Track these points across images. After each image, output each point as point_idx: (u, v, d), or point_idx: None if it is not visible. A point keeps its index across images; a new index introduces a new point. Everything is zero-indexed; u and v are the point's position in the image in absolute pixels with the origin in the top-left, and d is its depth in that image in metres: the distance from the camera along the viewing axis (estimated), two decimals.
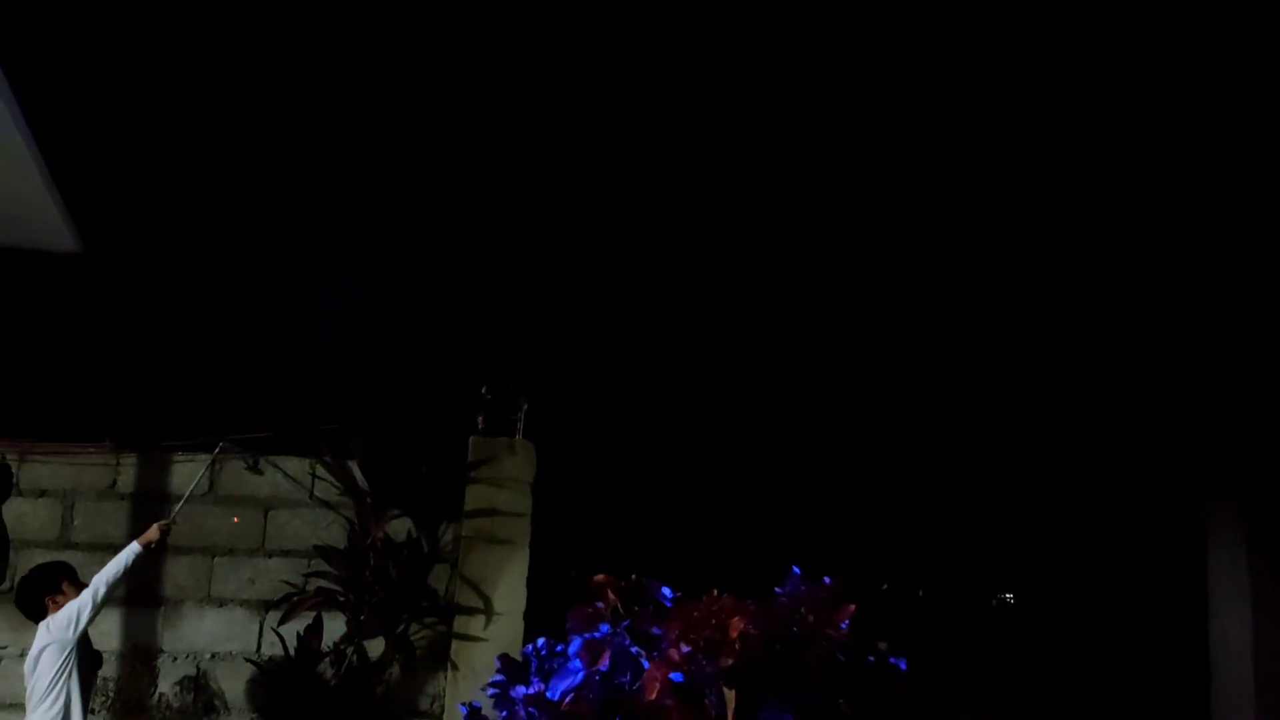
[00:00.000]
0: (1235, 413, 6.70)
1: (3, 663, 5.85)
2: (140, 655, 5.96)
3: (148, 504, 5.97)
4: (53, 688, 4.75)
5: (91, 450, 6.10)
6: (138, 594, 6.00)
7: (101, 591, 4.88)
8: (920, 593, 7.46)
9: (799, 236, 6.29)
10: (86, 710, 4.87)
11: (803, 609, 3.50)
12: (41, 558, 5.40)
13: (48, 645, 4.81)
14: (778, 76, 5.18)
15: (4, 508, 5.62)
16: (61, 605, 4.87)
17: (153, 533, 5.13)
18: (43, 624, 4.88)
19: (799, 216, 6.19)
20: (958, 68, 5.16)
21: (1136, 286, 6.58)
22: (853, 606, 3.49)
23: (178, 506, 5.58)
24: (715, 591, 3.55)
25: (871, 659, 3.52)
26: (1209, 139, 5.57)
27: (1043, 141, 5.66)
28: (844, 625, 3.50)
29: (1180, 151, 5.65)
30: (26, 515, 5.89)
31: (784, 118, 5.52)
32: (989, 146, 5.69)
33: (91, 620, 4.89)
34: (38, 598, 4.92)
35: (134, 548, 5.05)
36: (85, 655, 4.93)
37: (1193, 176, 5.82)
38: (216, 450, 5.83)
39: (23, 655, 5.11)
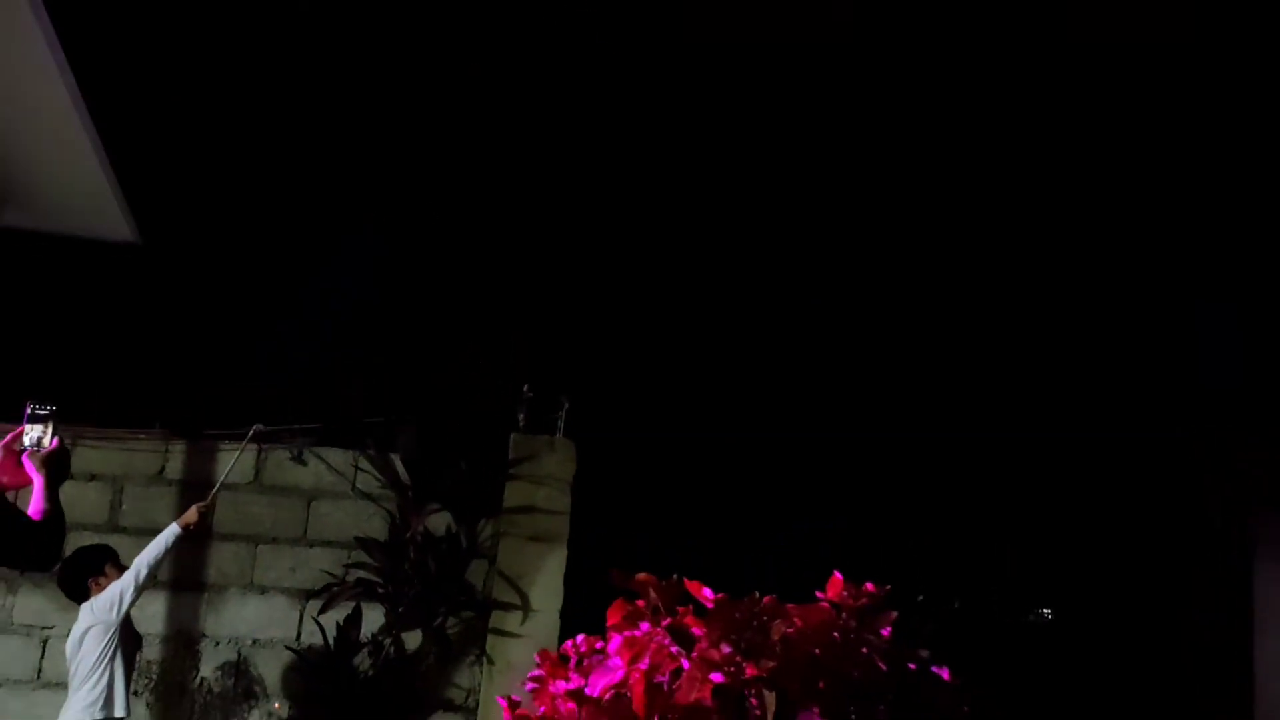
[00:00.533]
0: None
1: (50, 643, 5.96)
2: (183, 639, 6.05)
3: (195, 490, 6.05)
4: (96, 668, 4.83)
5: (141, 436, 6.21)
6: (182, 579, 6.11)
7: (143, 573, 4.95)
8: (956, 605, 7.43)
9: (830, 239, 6.30)
10: (129, 690, 4.95)
11: (844, 614, 3.50)
12: (91, 541, 5.47)
13: (91, 626, 4.88)
14: (784, 75, 5.17)
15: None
16: (104, 587, 4.94)
17: (191, 515, 5.20)
18: (85, 605, 4.95)
19: (825, 219, 6.20)
20: (959, 68, 5.14)
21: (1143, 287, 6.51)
22: (895, 613, 3.49)
23: (215, 489, 5.64)
24: (757, 594, 3.56)
25: (913, 666, 3.52)
26: (1209, 138, 5.52)
27: (1043, 142, 5.62)
28: (885, 632, 3.51)
29: (1180, 151, 5.59)
30: (77, 499, 5.99)
31: (799, 114, 5.51)
32: (992, 147, 5.66)
33: (134, 602, 4.95)
34: (81, 580, 4.99)
35: (174, 529, 5.11)
36: (128, 636, 4.99)
37: (1193, 176, 5.76)
38: (250, 434, 5.81)
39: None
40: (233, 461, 5.80)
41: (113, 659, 4.86)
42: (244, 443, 5.82)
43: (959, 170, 5.77)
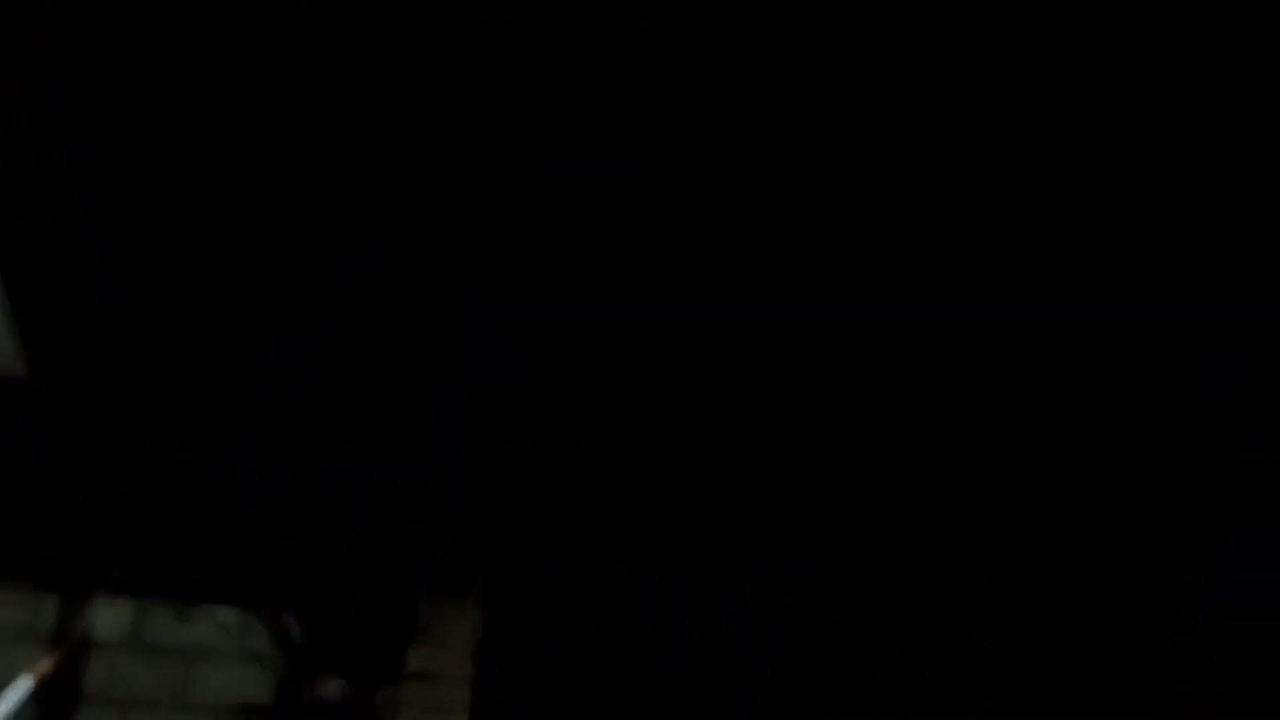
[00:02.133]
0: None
1: None
2: None
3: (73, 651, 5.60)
4: None
5: (10, 587, 5.72)
6: None
7: None
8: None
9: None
10: None
11: None
12: None
13: None
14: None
15: None
16: None
17: (45, 665, 4.81)
18: None
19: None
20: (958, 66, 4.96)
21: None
22: None
23: (75, 634, 5.24)
24: None
25: None
26: (1209, 136, 5.42)
27: (1042, 138, 5.43)
28: None
29: (1182, 150, 5.47)
30: None
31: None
32: (989, 141, 5.39)
33: None
34: None
35: (25, 684, 4.70)
36: None
37: (1193, 175, 5.57)
38: (112, 576, 5.44)
39: None
40: (85, 611, 5.38)
41: None
42: (102, 585, 5.42)
43: (958, 165, 5.45)
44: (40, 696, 5.56)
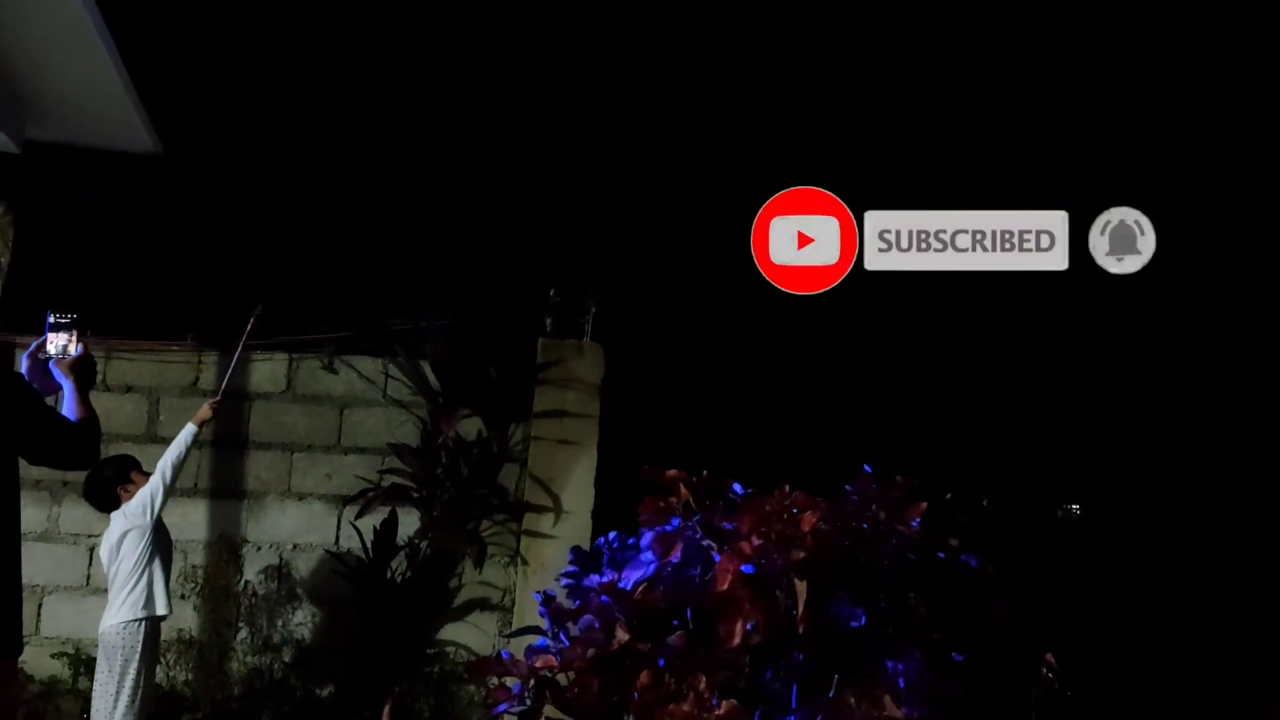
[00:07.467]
0: None
1: (96, 550, 6.12)
2: (226, 545, 6.21)
3: (228, 400, 6.13)
4: (136, 569, 4.95)
5: (175, 348, 6.29)
6: (222, 488, 6.24)
7: (169, 474, 5.05)
8: (985, 502, 7.45)
9: None
10: (169, 589, 5.08)
11: (874, 506, 3.52)
12: (129, 451, 5.60)
13: (128, 531, 4.99)
14: None
15: (94, 403, 5.83)
16: (133, 493, 5.04)
17: (205, 411, 5.29)
18: (117, 513, 5.05)
19: None
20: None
21: None
22: (924, 504, 3.50)
23: (224, 383, 5.70)
24: (786, 488, 3.58)
25: (942, 555, 3.55)
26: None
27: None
28: (914, 523, 3.52)
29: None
30: (114, 410, 6.10)
31: None
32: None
33: (165, 503, 5.05)
34: (110, 489, 5.07)
35: (190, 429, 5.20)
36: (162, 538, 5.11)
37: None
38: (250, 322, 5.64)
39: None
40: (234, 358, 5.69)
41: (151, 560, 4.99)
42: (246, 330, 5.67)
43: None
44: (213, 442, 6.14)
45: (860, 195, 4.77)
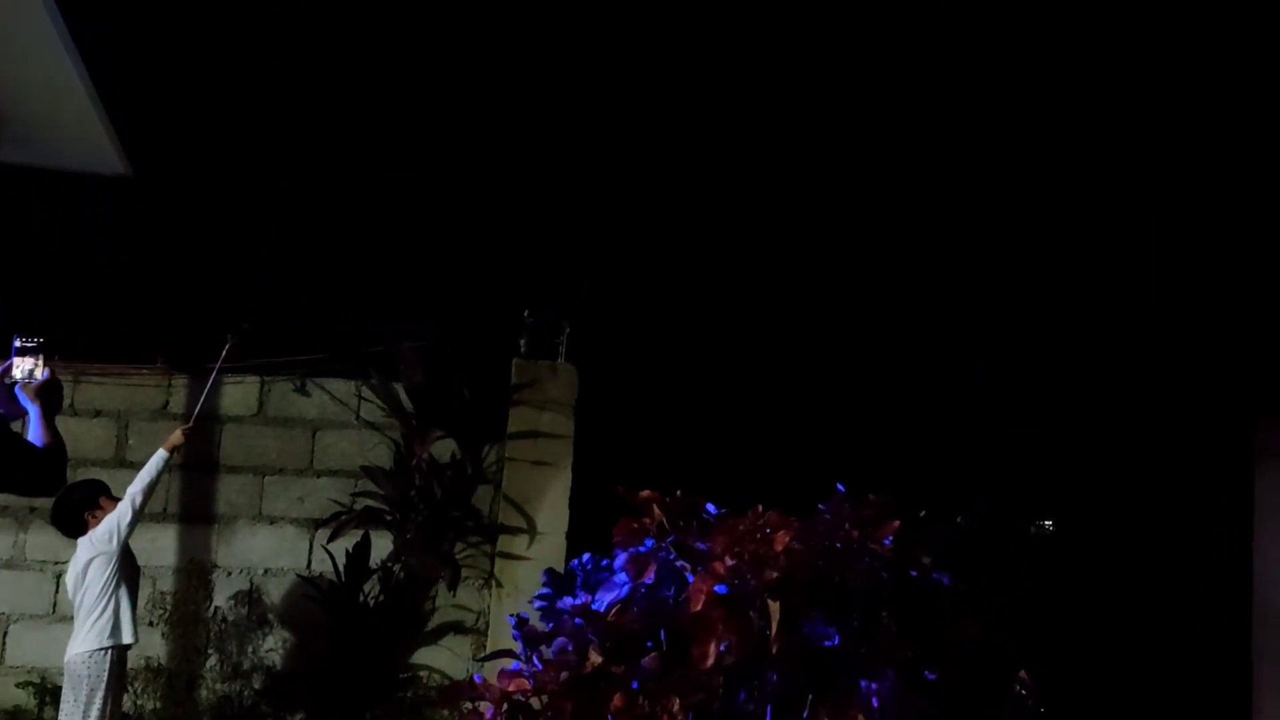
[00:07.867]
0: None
1: (63, 577, 6.04)
2: (196, 570, 6.14)
3: (198, 422, 6.09)
4: (102, 597, 4.90)
5: (144, 372, 6.24)
6: (192, 512, 6.18)
7: (139, 500, 5.00)
8: (959, 520, 7.47)
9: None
10: (135, 617, 5.02)
11: (847, 524, 3.52)
12: (97, 476, 5.54)
13: (94, 558, 4.94)
14: None
15: (61, 427, 5.76)
16: (100, 519, 4.98)
17: (176, 437, 5.26)
18: (84, 539, 5.00)
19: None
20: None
21: None
22: (896, 522, 3.50)
23: (196, 409, 5.67)
24: (760, 507, 3.57)
25: (914, 574, 3.55)
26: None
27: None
28: (887, 541, 3.52)
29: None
30: (83, 434, 6.04)
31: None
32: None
33: (132, 530, 5.00)
34: (77, 515, 5.02)
35: (161, 454, 5.17)
36: (129, 565, 5.06)
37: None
38: (225, 349, 5.70)
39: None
40: (208, 382, 5.71)
41: (117, 588, 4.93)
42: (220, 356, 5.71)
43: (974, 167, 5.71)
44: (182, 466, 6.08)
45: None
